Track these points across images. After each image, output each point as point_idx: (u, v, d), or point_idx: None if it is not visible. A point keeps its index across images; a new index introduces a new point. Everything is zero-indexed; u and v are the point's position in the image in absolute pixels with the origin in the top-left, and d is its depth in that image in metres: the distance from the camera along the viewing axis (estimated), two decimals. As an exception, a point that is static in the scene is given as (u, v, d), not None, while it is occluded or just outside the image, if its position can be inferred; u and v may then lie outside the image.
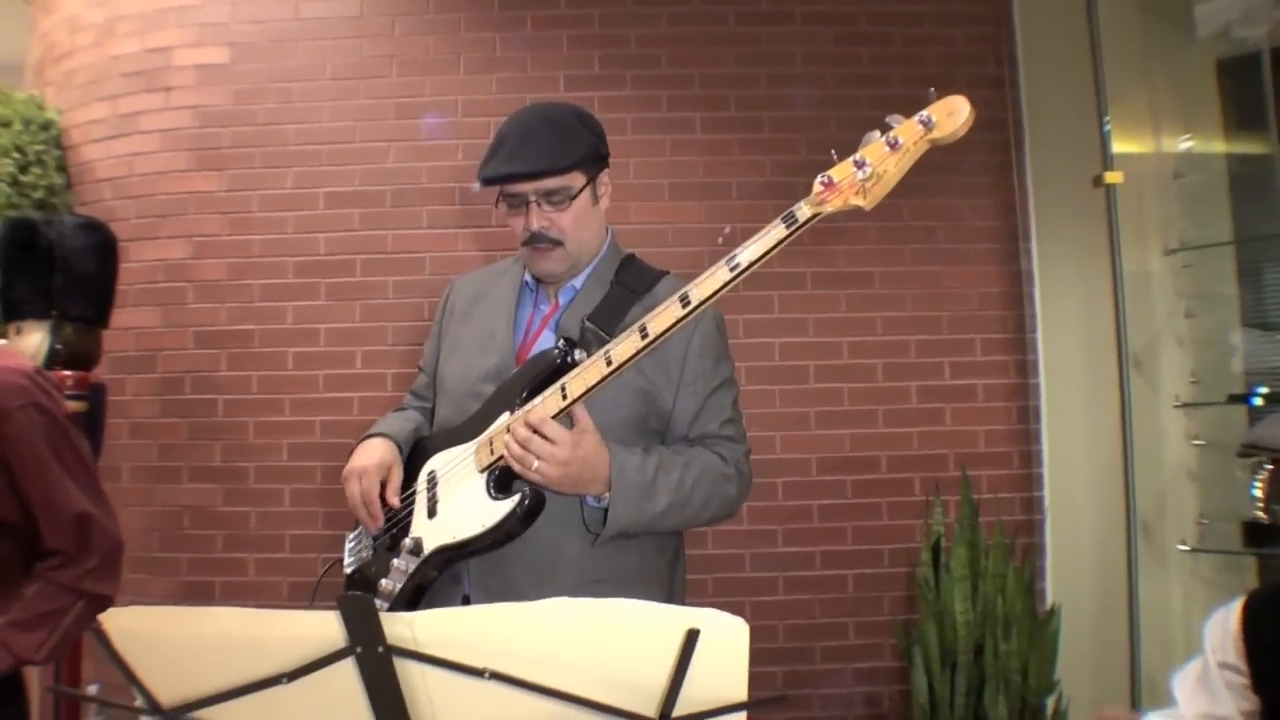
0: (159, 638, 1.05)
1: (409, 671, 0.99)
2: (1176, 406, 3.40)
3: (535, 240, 1.83)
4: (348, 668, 0.99)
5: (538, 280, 1.95)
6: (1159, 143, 3.54)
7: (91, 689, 3.10)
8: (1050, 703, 3.03)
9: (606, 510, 1.68)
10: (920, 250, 3.51)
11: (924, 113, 1.49)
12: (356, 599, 0.98)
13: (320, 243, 3.54)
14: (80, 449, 1.86)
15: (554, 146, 1.79)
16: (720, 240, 3.41)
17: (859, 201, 1.51)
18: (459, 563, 1.75)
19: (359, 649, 0.97)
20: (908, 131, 1.49)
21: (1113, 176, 3.13)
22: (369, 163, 3.56)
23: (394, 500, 1.82)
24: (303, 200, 3.56)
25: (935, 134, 1.48)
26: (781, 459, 3.42)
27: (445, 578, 1.77)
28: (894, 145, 1.48)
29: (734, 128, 3.55)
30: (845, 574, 3.41)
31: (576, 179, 1.82)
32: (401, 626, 0.97)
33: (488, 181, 1.83)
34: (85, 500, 1.80)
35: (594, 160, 1.86)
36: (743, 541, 3.36)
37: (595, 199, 1.89)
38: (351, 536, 1.97)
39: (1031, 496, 3.47)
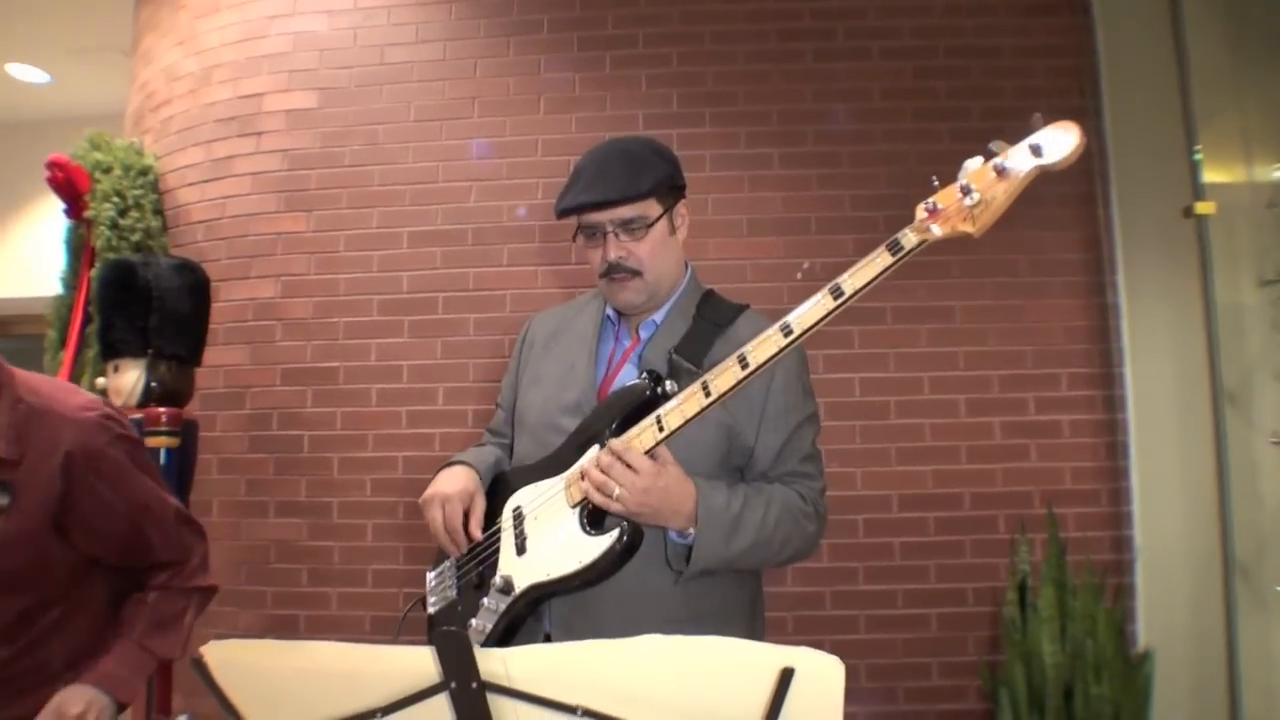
0: (257, 670, 1.07)
1: (502, 708, 0.99)
2: (1274, 443, 3.28)
3: (613, 271, 1.84)
4: (441, 703, 0.99)
5: (619, 314, 1.95)
6: (1251, 171, 3.45)
7: (181, 719, 3.16)
8: (1145, 750, 2.93)
9: (690, 547, 1.67)
10: (1003, 284, 3.46)
11: (1034, 139, 1.45)
12: (452, 635, 0.98)
13: (403, 281, 3.61)
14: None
15: (628, 175, 1.79)
16: (799, 275, 3.44)
17: (967, 228, 1.48)
18: (548, 600, 1.74)
19: (453, 684, 0.98)
20: (1017, 157, 1.45)
21: (1204, 207, 3.05)
22: (451, 202, 3.62)
23: (476, 532, 1.81)
24: (387, 239, 3.64)
25: (1045, 161, 1.44)
26: (862, 495, 3.37)
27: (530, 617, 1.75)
28: (1002, 172, 1.45)
29: (812, 163, 3.55)
30: (928, 613, 3.34)
31: (652, 207, 1.83)
32: (495, 662, 0.98)
33: (564, 213, 1.84)
34: (174, 499, 1.91)
35: (669, 189, 1.86)
36: (823, 579, 3.32)
37: (672, 229, 1.89)
38: (433, 575, 1.94)
39: (1121, 535, 3.36)
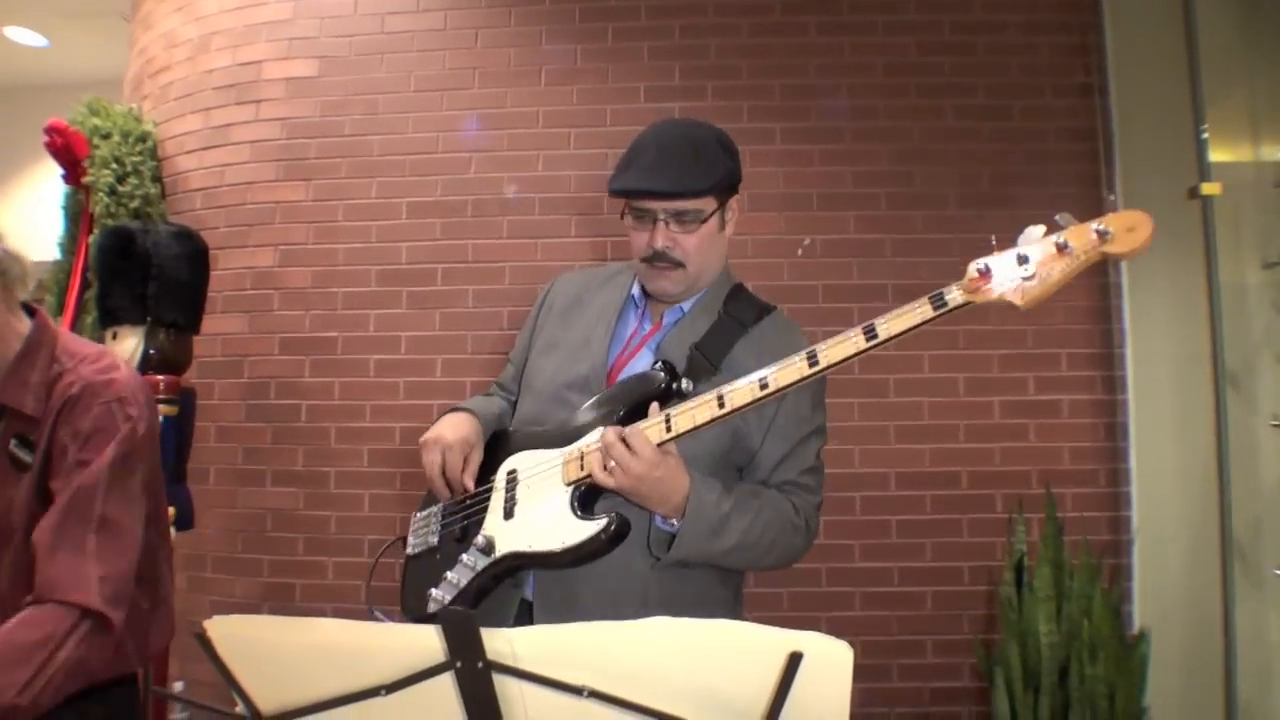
0: (261, 645, 1.07)
1: (507, 687, 0.99)
2: (1275, 425, 3.27)
3: (657, 259, 1.80)
4: (446, 682, 0.99)
5: (645, 295, 1.92)
6: (1258, 151, 3.41)
7: (177, 686, 3.18)
8: (1139, 729, 2.95)
9: (673, 536, 1.66)
10: (1005, 262, 3.43)
11: (1101, 223, 1.37)
12: (459, 614, 0.98)
13: (402, 251, 3.59)
14: (136, 481, 1.68)
15: (694, 168, 1.75)
16: (799, 251, 3.42)
17: (1015, 300, 1.42)
18: (524, 571, 1.74)
19: (458, 663, 0.98)
20: (1081, 238, 1.38)
21: (1210, 188, 3.01)
22: (451, 173, 3.60)
23: (469, 484, 1.80)
24: (386, 210, 3.61)
25: (1110, 248, 1.36)
26: (860, 473, 3.37)
27: (507, 580, 1.74)
28: (1064, 249, 1.38)
29: (814, 138, 3.52)
30: (924, 591, 3.35)
31: (709, 203, 1.78)
32: (501, 642, 0.97)
33: (620, 193, 1.80)
34: (136, 544, 1.64)
35: (728, 186, 1.82)
36: (819, 556, 3.31)
37: (723, 224, 1.85)
38: (419, 516, 1.93)
39: (1118, 516, 3.36)
